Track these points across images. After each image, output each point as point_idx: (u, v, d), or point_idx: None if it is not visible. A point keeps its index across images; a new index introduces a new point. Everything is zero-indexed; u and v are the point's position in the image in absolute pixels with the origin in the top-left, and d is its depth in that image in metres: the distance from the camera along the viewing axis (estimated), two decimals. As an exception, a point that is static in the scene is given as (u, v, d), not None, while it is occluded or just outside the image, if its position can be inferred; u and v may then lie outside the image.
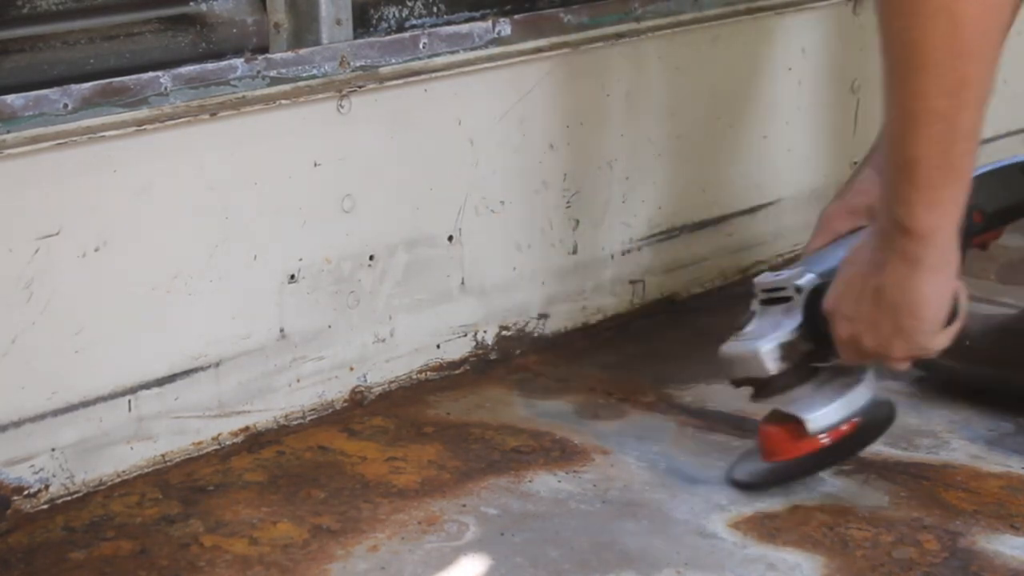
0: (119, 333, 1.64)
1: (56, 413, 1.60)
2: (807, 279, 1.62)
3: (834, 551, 1.55)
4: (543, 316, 2.03)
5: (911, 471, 1.71)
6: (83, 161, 1.58)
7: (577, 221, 2.03)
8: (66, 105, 1.54)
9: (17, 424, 1.58)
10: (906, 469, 1.71)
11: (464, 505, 1.63)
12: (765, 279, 1.67)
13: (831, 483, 1.68)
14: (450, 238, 1.91)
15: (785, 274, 1.65)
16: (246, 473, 1.70)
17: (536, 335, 2.02)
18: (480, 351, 1.97)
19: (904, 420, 1.83)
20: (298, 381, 1.80)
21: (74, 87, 1.55)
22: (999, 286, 2.09)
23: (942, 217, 1.44)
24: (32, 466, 1.60)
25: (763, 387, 1.64)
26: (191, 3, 1.74)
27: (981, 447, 1.76)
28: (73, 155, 1.56)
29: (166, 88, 1.62)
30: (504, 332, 1.99)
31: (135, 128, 1.60)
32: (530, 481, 1.69)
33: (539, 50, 1.93)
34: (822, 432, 1.62)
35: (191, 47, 1.73)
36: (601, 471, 1.71)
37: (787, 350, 1.61)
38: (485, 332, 1.97)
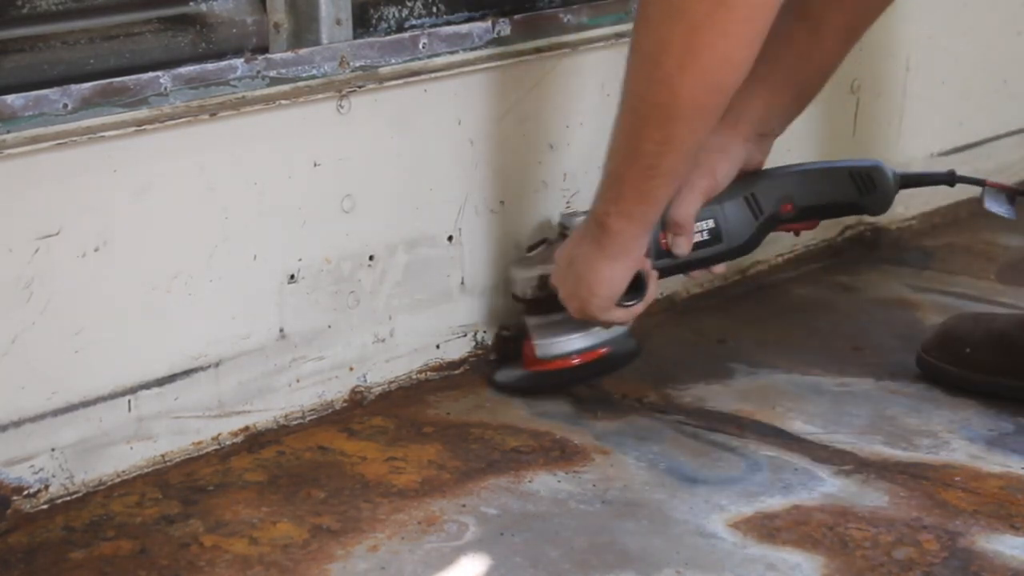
0: (119, 333, 1.64)
1: (56, 413, 1.61)
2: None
3: (834, 551, 1.55)
4: (543, 316, 2.02)
5: (911, 471, 1.71)
6: (83, 161, 1.58)
7: (577, 221, 2.03)
8: (66, 105, 1.54)
9: (17, 424, 1.58)
10: (906, 469, 1.71)
11: (464, 505, 1.63)
12: (564, 215, 1.91)
13: (831, 483, 1.68)
14: (450, 238, 1.91)
15: (580, 215, 1.83)
16: (246, 473, 1.70)
17: (536, 335, 2.02)
18: (480, 351, 1.97)
19: (904, 420, 1.83)
20: (298, 381, 1.80)
21: (74, 87, 1.55)
22: (999, 286, 2.09)
23: (630, 225, 1.70)
24: (32, 466, 1.60)
25: (526, 306, 1.90)
26: (191, 3, 1.74)
27: (981, 447, 1.76)
28: (73, 155, 1.56)
29: (166, 88, 1.62)
30: (504, 332, 1.99)
31: (135, 128, 1.60)
32: (530, 481, 1.69)
33: (539, 50, 1.93)
34: (548, 359, 1.87)
35: (191, 47, 1.73)
36: (601, 471, 1.71)
37: (544, 282, 1.85)
38: (485, 332, 1.97)
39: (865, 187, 1.92)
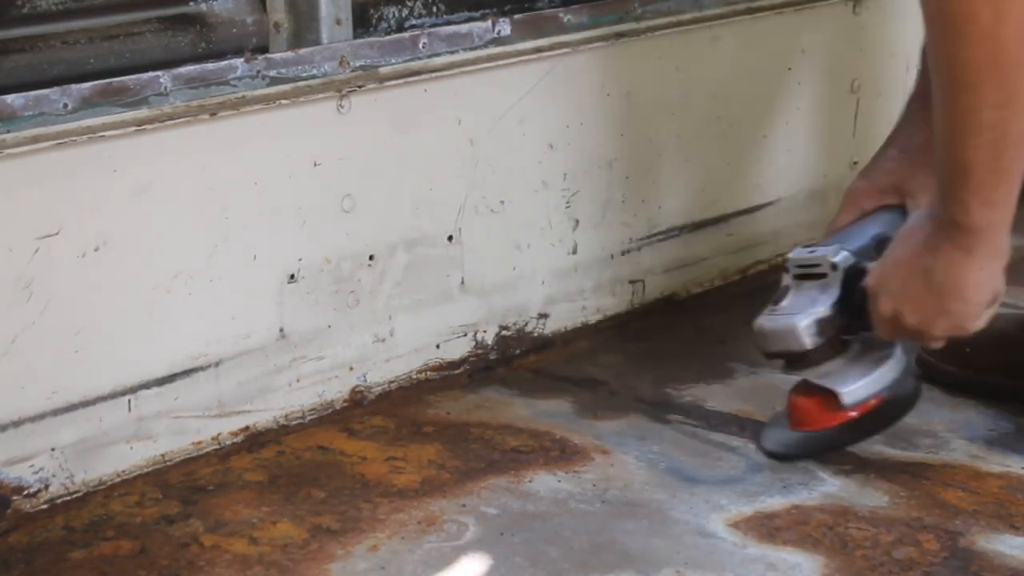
0: (119, 333, 1.64)
1: (56, 413, 1.60)
2: (842, 256, 1.70)
3: (834, 551, 1.55)
4: (543, 316, 2.03)
5: (911, 471, 1.71)
6: (83, 161, 1.58)
7: (577, 221, 2.03)
8: (66, 105, 1.54)
9: (17, 424, 1.58)
10: (906, 469, 1.71)
11: (464, 505, 1.63)
12: (799, 255, 1.73)
13: (831, 483, 1.68)
14: (450, 238, 1.91)
15: (820, 251, 1.72)
16: (246, 473, 1.70)
17: (536, 335, 2.02)
18: (480, 351, 1.97)
19: (904, 420, 1.83)
20: (298, 381, 1.80)
21: (74, 87, 1.55)
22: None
23: (994, 214, 1.54)
24: (32, 466, 1.60)
25: (797, 360, 1.70)
26: (191, 3, 1.74)
27: (981, 447, 1.76)
28: (73, 155, 1.56)
29: (166, 88, 1.62)
30: (504, 332, 1.99)
31: (135, 128, 1.60)
32: (530, 481, 1.69)
33: (539, 50, 1.93)
34: (855, 405, 1.69)
35: (191, 47, 1.73)
36: (601, 471, 1.71)
37: (823, 325, 1.68)
38: (485, 332, 1.97)
39: None
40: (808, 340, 1.68)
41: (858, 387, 1.70)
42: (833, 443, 1.73)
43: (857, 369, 1.70)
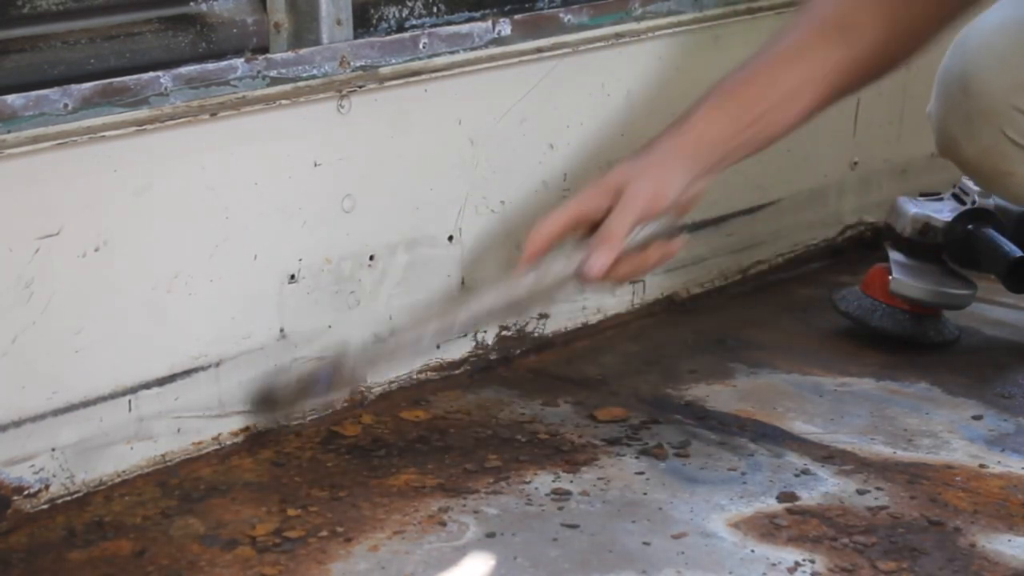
0: (119, 333, 1.64)
1: (56, 413, 1.61)
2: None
3: (834, 551, 1.55)
4: (543, 316, 2.03)
5: (911, 471, 1.71)
6: (83, 161, 1.58)
7: (577, 221, 2.03)
8: (66, 105, 1.54)
9: (17, 424, 1.58)
10: (906, 469, 1.71)
11: (464, 505, 1.63)
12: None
13: (831, 483, 1.68)
14: (450, 238, 1.91)
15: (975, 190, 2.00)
16: (246, 473, 1.70)
17: (536, 335, 2.02)
18: (480, 351, 1.97)
19: (904, 420, 1.83)
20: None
21: (74, 87, 1.55)
22: (999, 285, 2.09)
23: None
24: (32, 466, 1.60)
25: (895, 241, 2.02)
26: (191, 3, 1.74)
27: (981, 447, 1.77)
28: (73, 155, 1.56)
29: (166, 88, 1.62)
30: (504, 332, 1.99)
31: (135, 128, 1.60)
32: (530, 481, 1.69)
33: (539, 50, 1.93)
34: (896, 294, 1.97)
35: (191, 47, 1.73)
36: (601, 471, 1.71)
37: (926, 228, 1.98)
38: (485, 332, 1.97)
39: None
40: (908, 229, 2.00)
41: (908, 283, 1.96)
42: (873, 316, 2.00)
43: (926, 276, 1.97)
